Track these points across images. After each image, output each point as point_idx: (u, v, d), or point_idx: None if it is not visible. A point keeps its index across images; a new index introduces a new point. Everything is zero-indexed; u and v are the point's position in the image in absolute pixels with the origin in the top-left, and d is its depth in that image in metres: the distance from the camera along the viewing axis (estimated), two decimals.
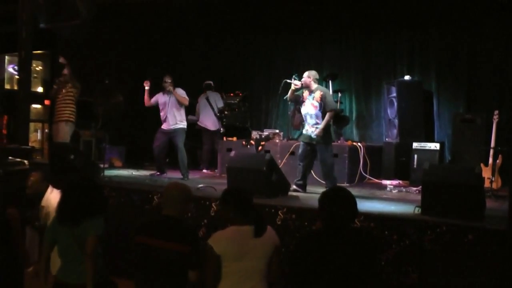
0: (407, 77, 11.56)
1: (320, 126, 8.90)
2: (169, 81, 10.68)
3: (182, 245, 4.50)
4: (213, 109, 12.39)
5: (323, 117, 8.96)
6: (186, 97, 10.82)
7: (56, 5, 8.87)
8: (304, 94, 9.21)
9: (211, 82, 12.84)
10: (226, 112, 12.43)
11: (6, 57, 14.69)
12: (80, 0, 8.76)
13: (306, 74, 9.20)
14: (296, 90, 9.30)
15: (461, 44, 11.53)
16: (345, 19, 12.45)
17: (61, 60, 10.58)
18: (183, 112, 10.85)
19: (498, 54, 11.02)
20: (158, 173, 10.87)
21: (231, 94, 12.84)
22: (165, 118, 10.71)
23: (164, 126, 10.75)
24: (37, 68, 14.25)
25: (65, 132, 10.47)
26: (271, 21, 13.14)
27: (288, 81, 9.34)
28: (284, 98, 12.06)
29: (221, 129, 12.52)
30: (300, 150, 9.26)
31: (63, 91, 10.58)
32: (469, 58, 11.42)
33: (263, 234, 4.52)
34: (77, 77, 10.74)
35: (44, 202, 5.97)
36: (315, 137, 8.97)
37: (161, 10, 12.87)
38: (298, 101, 9.43)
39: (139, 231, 4.69)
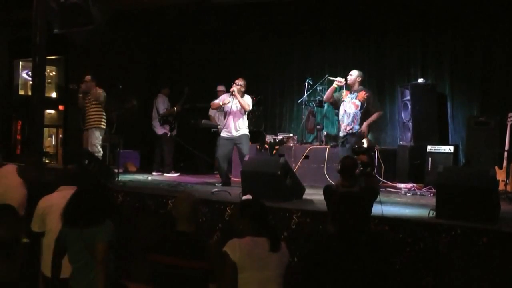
0: (421, 80, 11.51)
1: (365, 122, 9.03)
2: (240, 83, 10.01)
3: (198, 262, 4.43)
4: (158, 113, 12.24)
5: (362, 119, 9.07)
6: (250, 104, 10.19)
7: (70, 11, 8.90)
8: (344, 94, 9.33)
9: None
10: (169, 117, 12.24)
11: (20, 62, 14.78)
12: (93, 6, 8.79)
13: (356, 73, 9.35)
14: (335, 90, 9.37)
15: (475, 46, 11.45)
16: (359, 22, 12.42)
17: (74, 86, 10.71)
18: (245, 118, 10.21)
19: None
20: (221, 183, 10.10)
21: None
22: (227, 124, 10.08)
23: (224, 133, 10.14)
24: (51, 74, 14.32)
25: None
26: (284, 24, 13.13)
27: (331, 78, 9.45)
28: (299, 101, 12.13)
29: (168, 133, 12.25)
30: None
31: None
32: (483, 60, 11.34)
33: (279, 250, 4.56)
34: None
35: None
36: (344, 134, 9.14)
37: (173, 15, 12.89)
38: (337, 102, 9.42)
39: (152, 249, 4.65)
